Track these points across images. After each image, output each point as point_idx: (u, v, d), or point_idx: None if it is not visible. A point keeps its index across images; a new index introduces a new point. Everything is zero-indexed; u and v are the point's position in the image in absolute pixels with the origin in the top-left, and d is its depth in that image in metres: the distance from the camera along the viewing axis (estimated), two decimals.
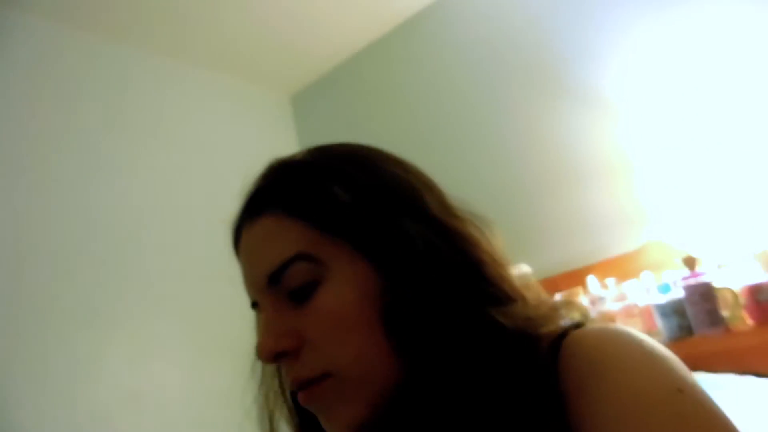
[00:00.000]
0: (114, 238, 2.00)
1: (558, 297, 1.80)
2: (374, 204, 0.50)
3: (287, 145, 2.81)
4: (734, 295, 1.47)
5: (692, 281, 1.50)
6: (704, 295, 1.47)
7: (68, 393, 1.72)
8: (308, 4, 2.36)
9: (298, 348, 0.49)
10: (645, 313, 1.62)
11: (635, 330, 0.46)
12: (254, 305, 0.54)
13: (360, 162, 0.55)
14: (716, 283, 1.48)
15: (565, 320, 0.50)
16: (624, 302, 1.67)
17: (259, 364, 0.59)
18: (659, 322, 1.57)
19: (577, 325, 0.49)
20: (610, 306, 1.69)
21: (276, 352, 0.48)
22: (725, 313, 1.48)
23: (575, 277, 1.85)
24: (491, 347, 0.45)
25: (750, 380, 1.45)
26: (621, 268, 1.80)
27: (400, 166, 0.56)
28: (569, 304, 0.54)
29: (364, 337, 0.48)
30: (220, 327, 2.08)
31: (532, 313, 0.49)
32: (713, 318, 1.47)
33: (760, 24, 1.70)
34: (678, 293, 1.54)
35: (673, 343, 1.53)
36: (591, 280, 1.80)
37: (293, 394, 0.53)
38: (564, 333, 0.47)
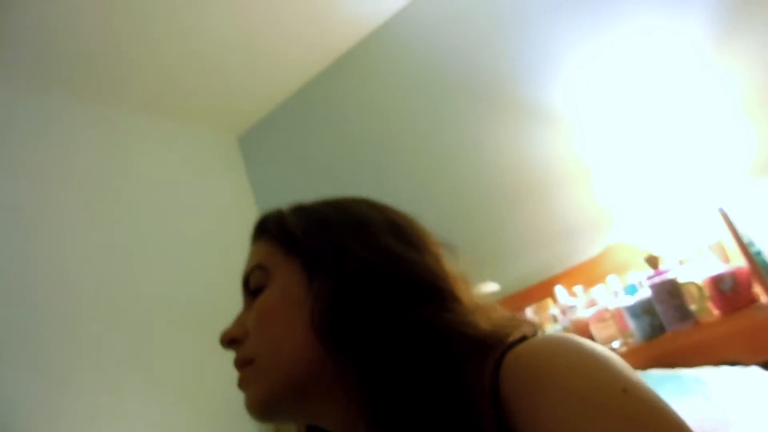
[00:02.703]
0: (66, 291, 1.89)
1: (526, 311, 1.81)
2: (316, 229, 0.60)
3: (238, 186, 2.76)
4: (699, 288, 1.50)
5: (657, 279, 1.52)
6: (671, 292, 1.50)
7: None
8: (247, 46, 2.35)
9: (244, 337, 0.59)
10: (616, 317, 1.63)
11: (574, 335, 0.46)
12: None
13: (335, 203, 0.65)
14: (681, 279, 1.51)
15: (513, 336, 0.51)
16: (594, 308, 1.68)
17: None
18: (631, 324, 1.59)
19: (521, 340, 0.49)
20: (582, 313, 1.70)
21: (228, 338, 0.60)
22: (693, 306, 1.51)
23: (544, 289, 1.86)
24: (404, 353, 0.48)
25: (725, 370, 1.47)
26: (587, 274, 1.82)
27: (371, 206, 0.64)
28: (516, 320, 0.54)
29: (280, 331, 0.56)
30: (189, 383, 1.99)
31: (468, 327, 0.50)
32: (682, 313, 1.49)
33: (686, 37, 1.79)
34: (645, 293, 1.57)
35: (648, 342, 1.54)
36: (559, 289, 1.81)
37: None
38: (506, 349, 0.47)
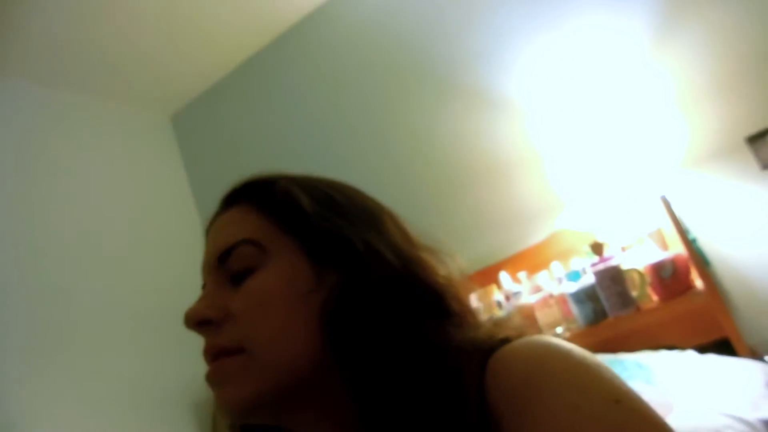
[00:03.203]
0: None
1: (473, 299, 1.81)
2: (331, 213, 0.53)
3: (172, 166, 2.62)
4: (641, 274, 1.53)
5: (601, 266, 1.54)
6: (614, 278, 1.53)
7: None
8: (181, 24, 2.22)
9: (222, 320, 0.50)
10: (560, 302, 1.65)
11: (562, 340, 0.45)
12: (204, 288, 0.55)
13: (334, 184, 0.58)
14: (623, 266, 1.54)
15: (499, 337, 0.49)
16: (539, 294, 1.69)
17: None
18: (574, 309, 1.61)
19: (505, 341, 0.47)
20: (527, 299, 1.72)
21: (200, 318, 0.50)
22: (634, 293, 1.54)
23: (488, 275, 1.85)
24: (419, 359, 0.45)
25: (664, 354, 1.52)
26: (532, 260, 1.83)
27: (372, 200, 0.59)
28: (504, 324, 0.52)
29: (283, 321, 0.49)
30: (119, 367, 1.88)
31: (471, 333, 0.48)
32: (624, 299, 1.52)
33: (628, 34, 1.84)
34: (588, 279, 1.59)
35: (590, 327, 1.57)
36: (503, 276, 1.81)
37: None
38: (491, 350, 0.45)
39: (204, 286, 0.55)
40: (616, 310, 1.54)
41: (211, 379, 0.50)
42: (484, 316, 1.67)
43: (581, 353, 0.42)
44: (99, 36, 2.11)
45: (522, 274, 1.80)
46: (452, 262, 0.56)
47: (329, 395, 0.49)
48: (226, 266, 0.52)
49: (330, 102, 2.36)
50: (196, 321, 0.50)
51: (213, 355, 0.50)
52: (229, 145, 2.60)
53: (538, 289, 1.72)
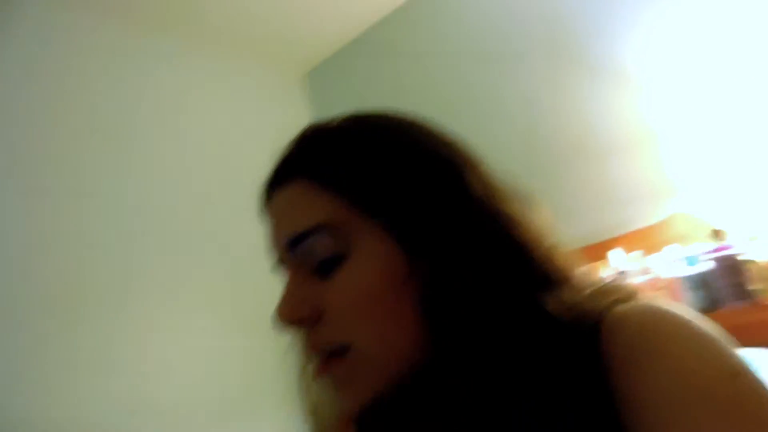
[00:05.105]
0: (134, 214, 2.01)
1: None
2: (411, 182, 0.48)
3: (302, 124, 2.78)
4: (763, 267, 1.43)
5: (720, 254, 1.46)
6: (732, 268, 1.44)
7: (94, 380, 1.73)
8: None
9: (317, 317, 0.47)
10: (670, 287, 1.58)
11: (681, 307, 0.43)
12: (278, 263, 0.53)
13: (399, 134, 0.52)
14: (744, 256, 1.45)
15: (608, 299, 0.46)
16: (647, 276, 1.64)
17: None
18: (685, 295, 1.54)
19: (616, 302, 0.45)
20: (634, 279, 1.66)
21: (296, 317, 0.48)
22: (754, 286, 1.44)
23: (599, 250, 1.80)
24: (534, 333, 0.43)
25: None
26: (646, 240, 1.76)
27: (442, 139, 0.53)
28: (616, 283, 0.50)
29: (387, 314, 0.46)
30: (247, 296, 2.10)
31: (579, 296, 0.46)
32: (741, 291, 1.44)
33: None
34: (705, 266, 1.51)
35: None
36: (614, 253, 1.76)
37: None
38: (604, 311, 0.44)
39: (277, 263, 0.53)
40: (730, 301, 1.46)
41: (322, 377, 0.49)
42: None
43: (702, 323, 0.41)
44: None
45: (634, 254, 1.73)
46: (540, 210, 0.52)
47: (440, 376, 0.47)
48: (303, 253, 0.48)
49: (458, 67, 2.37)
50: (292, 320, 0.48)
51: (317, 353, 0.48)
52: (357, 106, 2.70)
53: (647, 271, 1.66)
